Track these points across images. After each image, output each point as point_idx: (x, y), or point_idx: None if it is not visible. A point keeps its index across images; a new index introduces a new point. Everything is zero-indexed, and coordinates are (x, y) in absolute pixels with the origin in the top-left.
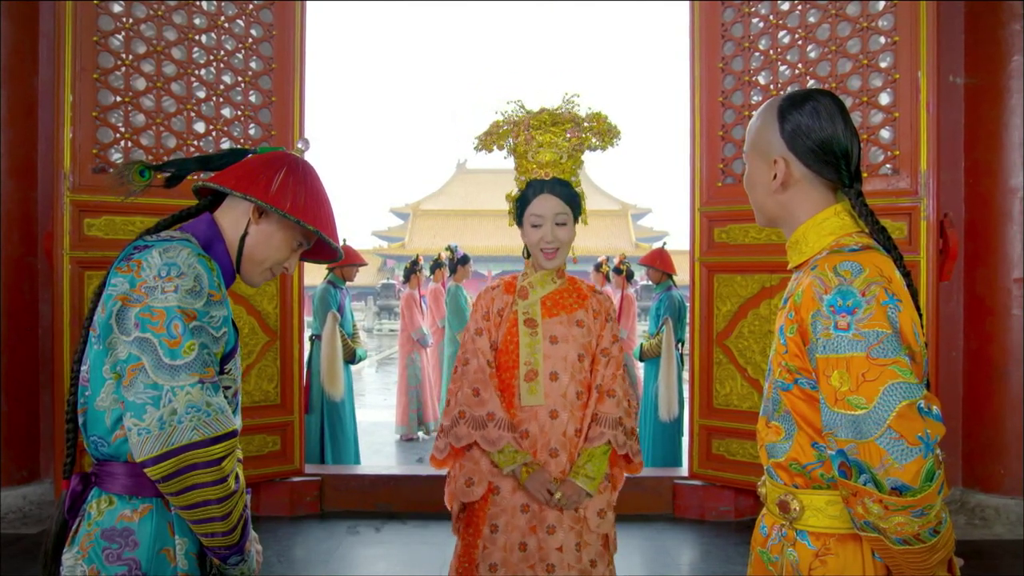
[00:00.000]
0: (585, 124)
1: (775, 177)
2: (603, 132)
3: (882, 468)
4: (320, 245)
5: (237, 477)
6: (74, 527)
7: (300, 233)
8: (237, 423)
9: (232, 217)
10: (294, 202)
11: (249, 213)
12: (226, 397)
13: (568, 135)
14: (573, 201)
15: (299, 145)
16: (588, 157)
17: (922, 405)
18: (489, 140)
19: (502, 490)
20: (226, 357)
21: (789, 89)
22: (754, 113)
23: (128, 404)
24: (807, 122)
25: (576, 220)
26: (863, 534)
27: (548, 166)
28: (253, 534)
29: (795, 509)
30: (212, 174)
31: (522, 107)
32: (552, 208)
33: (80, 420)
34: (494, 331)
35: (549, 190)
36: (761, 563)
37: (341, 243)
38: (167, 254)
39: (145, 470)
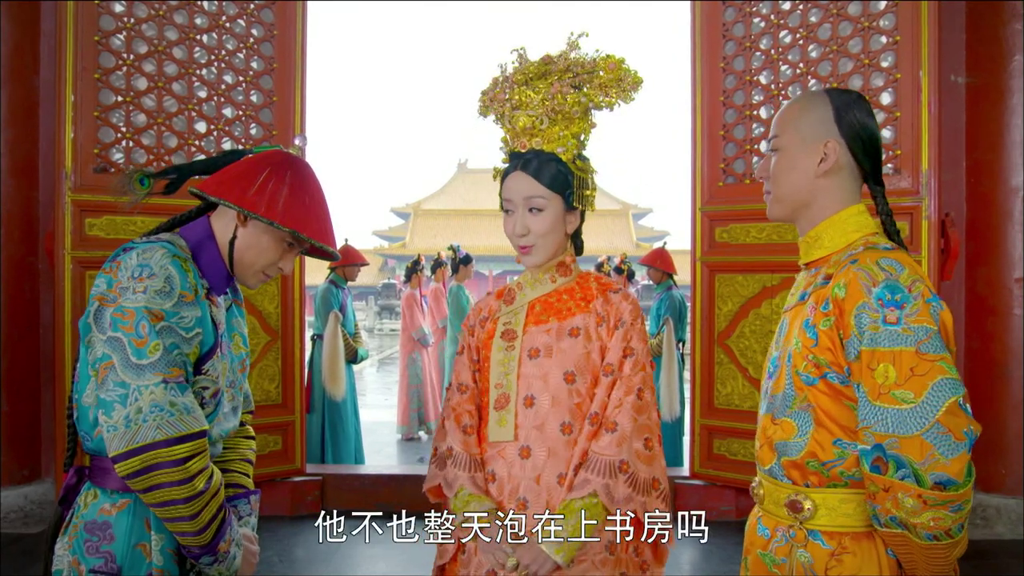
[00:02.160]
0: (601, 73)
1: (822, 160)
2: (611, 84)
3: (927, 463)
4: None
5: (210, 477)
6: (67, 518)
7: (288, 234)
8: (231, 424)
9: (223, 221)
10: (271, 205)
11: (236, 217)
12: (203, 398)
13: (552, 90)
14: (556, 180)
15: (296, 142)
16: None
17: (962, 402)
18: (485, 101)
19: (468, 550)
20: (203, 358)
21: (791, 89)
22: (787, 102)
23: (100, 401)
24: (856, 110)
25: (570, 205)
26: (884, 531)
27: (524, 134)
28: (248, 533)
29: (808, 509)
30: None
31: (521, 57)
32: (522, 190)
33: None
34: (478, 347)
35: (522, 166)
36: (762, 566)
37: (343, 243)
38: (143, 255)
39: (114, 467)
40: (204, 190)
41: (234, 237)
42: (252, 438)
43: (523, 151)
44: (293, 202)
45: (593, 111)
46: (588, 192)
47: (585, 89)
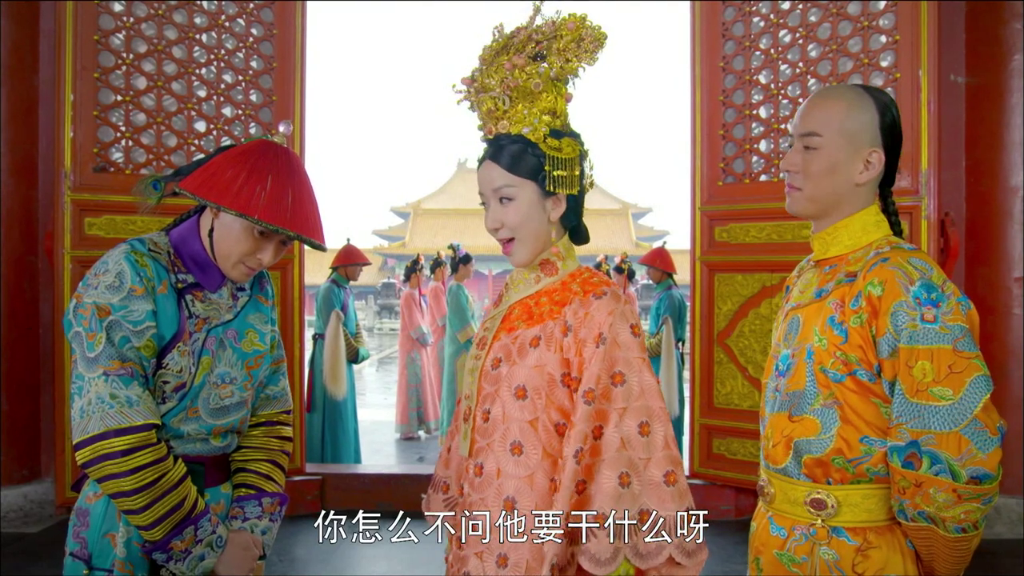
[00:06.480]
0: (563, 37)
1: (864, 170)
2: (569, 47)
3: (964, 458)
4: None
5: (164, 472)
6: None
7: (241, 218)
8: (223, 420)
9: (208, 216)
10: (224, 188)
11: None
12: (164, 391)
13: (507, 67)
14: (522, 163)
15: (280, 129)
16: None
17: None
18: (456, 87)
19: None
20: (163, 351)
21: (790, 88)
22: (822, 94)
23: (70, 393)
24: (896, 116)
25: (545, 191)
26: (910, 524)
27: (490, 118)
28: (246, 539)
29: (831, 505)
30: None
31: (499, 33)
32: (489, 180)
33: None
34: None
35: (488, 155)
36: (779, 566)
37: (345, 242)
38: (108, 254)
39: (75, 455)
40: (178, 184)
41: (211, 229)
42: (286, 439)
43: (491, 137)
44: (248, 185)
45: (571, 80)
46: (566, 173)
47: (547, 58)
